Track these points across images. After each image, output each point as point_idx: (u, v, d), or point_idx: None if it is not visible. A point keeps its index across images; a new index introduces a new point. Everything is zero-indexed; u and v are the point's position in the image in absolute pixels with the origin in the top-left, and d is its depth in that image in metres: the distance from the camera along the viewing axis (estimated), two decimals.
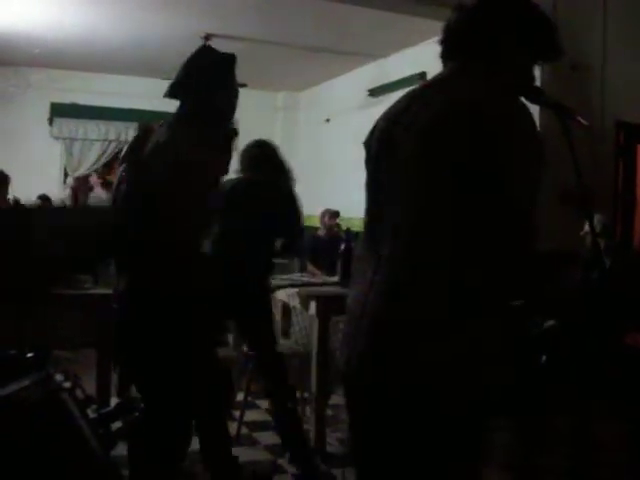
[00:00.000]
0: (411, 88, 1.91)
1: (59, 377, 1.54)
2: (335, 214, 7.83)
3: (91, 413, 1.59)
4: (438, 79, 1.84)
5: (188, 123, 2.88)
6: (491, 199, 1.59)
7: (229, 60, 3.02)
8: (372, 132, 1.91)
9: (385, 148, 1.79)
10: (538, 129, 1.66)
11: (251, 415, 4.80)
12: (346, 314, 1.89)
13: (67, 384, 1.52)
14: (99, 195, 9.94)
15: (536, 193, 1.65)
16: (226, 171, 3.02)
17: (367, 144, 1.92)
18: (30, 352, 1.64)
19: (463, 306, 1.62)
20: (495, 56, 1.77)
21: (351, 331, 1.80)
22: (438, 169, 1.63)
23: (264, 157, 4.19)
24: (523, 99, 1.82)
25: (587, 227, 4.98)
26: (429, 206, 1.65)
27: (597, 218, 5.42)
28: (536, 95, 1.86)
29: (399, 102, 1.87)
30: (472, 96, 1.66)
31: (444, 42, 1.85)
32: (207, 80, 2.99)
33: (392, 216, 1.72)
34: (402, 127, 1.74)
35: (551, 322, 4.23)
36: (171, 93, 3.01)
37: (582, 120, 1.84)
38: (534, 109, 1.84)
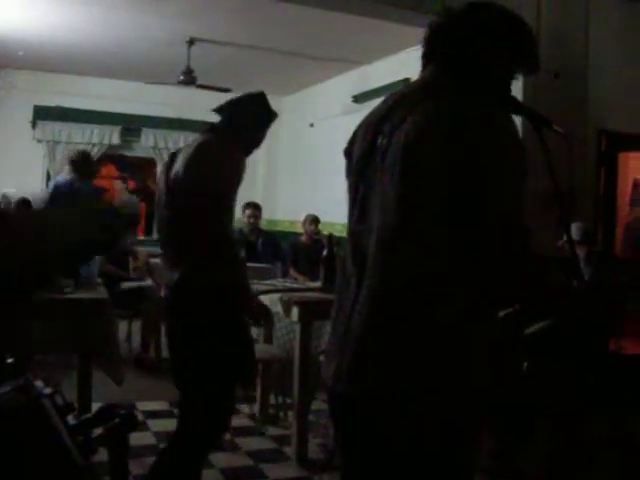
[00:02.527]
0: (390, 93, 1.91)
1: (39, 383, 1.53)
2: (315, 220, 7.84)
3: (71, 420, 1.57)
4: (419, 86, 1.84)
5: (222, 136, 3.18)
6: (476, 209, 1.59)
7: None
8: (352, 140, 1.90)
9: (368, 157, 1.79)
10: (520, 138, 1.67)
11: (233, 420, 4.78)
12: (331, 325, 1.88)
13: (47, 390, 1.51)
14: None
15: (521, 200, 1.65)
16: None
17: (347, 152, 1.91)
18: (10, 358, 1.63)
19: (449, 315, 1.62)
20: (475, 64, 1.77)
21: (337, 343, 1.79)
22: (421, 180, 1.63)
23: None
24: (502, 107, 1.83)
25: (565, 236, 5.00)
26: (413, 217, 1.65)
27: (578, 226, 5.45)
28: (514, 106, 1.86)
29: (379, 109, 1.86)
30: (455, 107, 1.66)
31: (426, 44, 1.86)
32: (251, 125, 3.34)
33: (376, 226, 1.71)
34: (385, 137, 1.73)
35: (533, 328, 4.25)
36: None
37: (558, 129, 1.85)
38: (516, 120, 1.85)
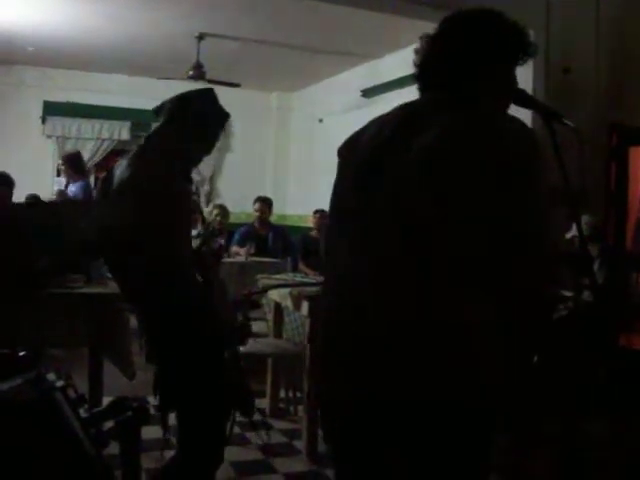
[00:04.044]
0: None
1: (51, 376, 1.54)
2: (323, 214, 7.86)
3: (83, 412, 1.58)
4: (427, 103, 1.82)
5: (157, 156, 2.85)
6: (494, 221, 1.58)
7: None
8: (353, 141, 1.88)
9: (372, 173, 1.75)
10: (539, 146, 1.64)
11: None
12: (325, 322, 1.85)
13: (60, 383, 1.52)
14: None
15: (544, 211, 1.64)
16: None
17: (343, 154, 1.90)
18: (22, 351, 1.64)
19: (464, 313, 1.61)
20: (474, 76, 1.76)
21: (339, 336, 1.77)
22: (441, 191, 1.61)
23: None
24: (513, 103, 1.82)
25: (574, 230, 4.98)
26: (427, 227, 1.63)
27: (586, 220, 5.39)
28: (524, 99, 1.85)
29: (384, 124, 1.82)
30: (467, 122, 1.64)
31: (420, 70, 1.84)
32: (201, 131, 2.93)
33: (385, 231, 1.69)
34: (394, 154, 1.71)
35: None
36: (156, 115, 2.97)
37: (569, 122, 1.84)
38: (526, 113, 1.84)
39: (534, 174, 1.61)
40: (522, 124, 1.67)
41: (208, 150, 3.02)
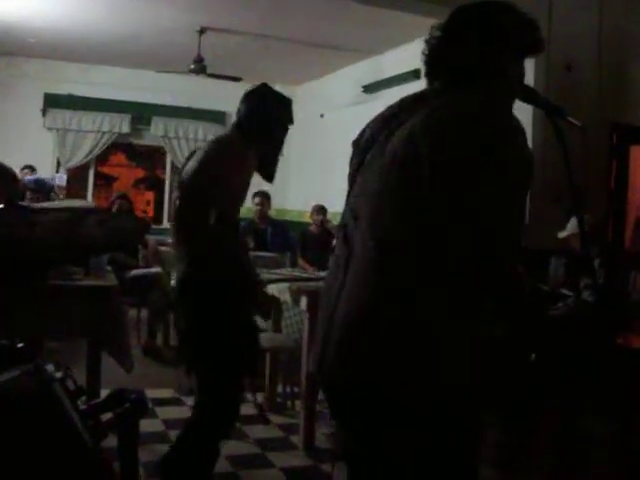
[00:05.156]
0: (405, 94, 1.89)
1: (50, 367, 1.53)
2: (321, 209, 7.85)
3: (81, 404, 1.58)
4: (431, 90, 1.82)
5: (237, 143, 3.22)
6: (471, 212, 1.58)
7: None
8: (362, 133, 1.90)
9: (369, 150, 1.78)
10: (528, 144, 1.64)
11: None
12: (319, 311, 1.87)
13: (58, 375, 1.52)
14: None
15: (522, 209, 1.64)
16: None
17: (356, 144, 1.92)
18: (20, 342, 1.64)
19: (431, 309, 1.61)
20: (483, 67, 1.76)
21: (322, 330, 1.79)
22: (418, 178, 1.62)
23: None
24: (516, 99, 1.82)
25: (569, 229, 4.96)
26: (405, 212, 1.64)
27: (585, 219, 5.37)
28: (528, 95, 1.85)
29: (391, 108, 1.86)
30: (464, 109, 1.65)
31: (428, 62, 1.84)
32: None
33: (366, 216, 1.71)
34: (389, 132, 1.73)
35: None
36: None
37: (574, 120, 1.83)
38: (528, 109, 1.84)
39: (501, 162, 1.59)
40: (508, 115, 1.66)
41: (280, 148, 3.63)
